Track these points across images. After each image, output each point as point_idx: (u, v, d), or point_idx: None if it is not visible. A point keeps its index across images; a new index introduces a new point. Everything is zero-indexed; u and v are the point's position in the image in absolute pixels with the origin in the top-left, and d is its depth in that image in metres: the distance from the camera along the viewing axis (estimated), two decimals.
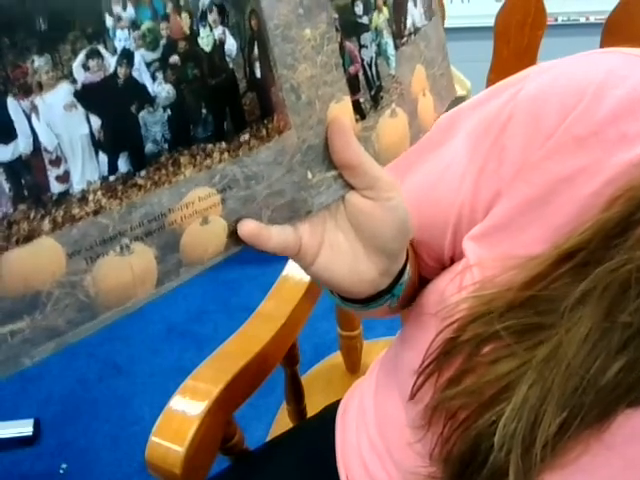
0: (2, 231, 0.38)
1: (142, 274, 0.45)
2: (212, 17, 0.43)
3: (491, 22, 1.16)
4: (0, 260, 0.38)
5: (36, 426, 1.74)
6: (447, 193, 0.59)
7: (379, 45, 0.56)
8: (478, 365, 0.49)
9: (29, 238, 0.39)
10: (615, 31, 1.05)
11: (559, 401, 0.44)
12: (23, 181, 0.38)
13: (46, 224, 0.40)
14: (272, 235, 0.50)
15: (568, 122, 0.48)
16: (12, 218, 0.38)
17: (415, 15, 0.59)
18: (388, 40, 0.56)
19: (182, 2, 0.42)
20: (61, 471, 1.70)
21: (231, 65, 0.45)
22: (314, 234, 0.51)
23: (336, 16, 0.51)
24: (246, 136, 0.47)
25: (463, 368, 0.50)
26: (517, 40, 1.13)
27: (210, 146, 0.45)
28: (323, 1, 0.50)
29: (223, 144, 0.46)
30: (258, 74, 0.46)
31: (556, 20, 2.28)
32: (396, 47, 0.57)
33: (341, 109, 0.52)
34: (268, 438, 1.13)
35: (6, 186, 0.38)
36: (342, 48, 0.52)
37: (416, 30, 0.60)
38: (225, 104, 0.46)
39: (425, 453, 0.58)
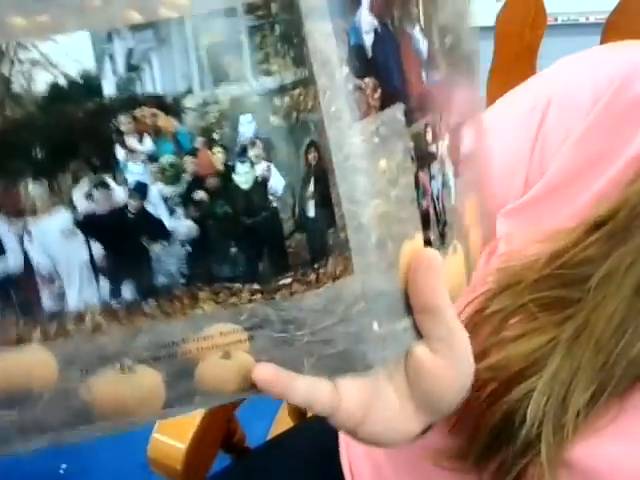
0: None
1: (146, 395, 0.42)
2: (254, 152, 0.36)
3: (491, 22, 1.12)
4: None
5: None
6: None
7: (444, 175, 0.45)
8: (505, 339, 0.48)
9: (18, 343, 0.38)
10: (615, 31, 1.02)
11: (589, 375, 0.44)
12: (13, 296, 0.37)
13: (37, 334, 0.38)
14: (298, 387, 0.42)
15: (600, 104, 0.50)
16: (0, 325, 0.37)
17: (467, 139, 0.47)
18: (450, 169, 0.45)
19: (215, 136, 0.35)
20: (61, 471, 1.67)
21: (275, 204, 0.37)
22: (361, 394, 0.43)
23: (411, 145, 0.40)
24: (287, 280, 0.39)
25: (490, 342, 0.49)
26: (517, 40, 1.10)
27: (238, 286, 0.39)
28: (400, 129, 0.39)
29: (255, 285, 0.39)
30: (311, 213, 0.38)
31: (556, 20, 2.16)
32: (455, 176, 0.47)
33: (413, 249, 0.42)
34: (269, 437, 1.09)
35: None
36: (416, 180, 0.41)
37: (468, 155, 0.48)
38: (262, 245, 0.39)
39: (440, 430, 0.53)
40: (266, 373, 0.42)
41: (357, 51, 0.38)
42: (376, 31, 0.40)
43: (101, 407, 0.42)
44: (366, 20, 0.39)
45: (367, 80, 0.39)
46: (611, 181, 0.49)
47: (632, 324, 0.44)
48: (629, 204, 0.45)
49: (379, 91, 0.40)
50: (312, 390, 0.44)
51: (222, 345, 0.42)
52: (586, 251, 0.46)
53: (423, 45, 0.43)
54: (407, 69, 0.42)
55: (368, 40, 0.39)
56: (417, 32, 0.43)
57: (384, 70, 0.41)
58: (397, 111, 0.42)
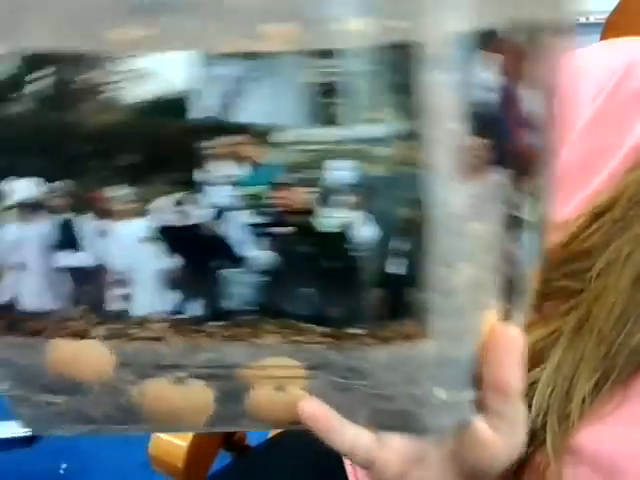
0: (54, 322, 0.38)
1: (194, 408, 0.41)
2: (345, 198, 0.33)
3: None
4: (47, 342, 0.38)
5: None
6: None
7: (530, 243, 0.42)
8: None
9: (80, 335, 0.38)
10: (615, 31, 0.95)
11: (592, 365, 0.44)
12: (83, 288, 0.37)
13: (101, 331, 0.38)
14: (344, 433, 0.40)
15: (603, 94, 0.50)
16: (66, 314, 0.37)
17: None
18: (537, 238, 0.42)
19: (307, 176, 0.33)
20: (61, 471, 1.63)
21: (361, 253, 0.35)
22: (405, 452, 0.41)
23: (506, 210, 0.36)
24: (358, 330, 0.37)
25: None
26: None
27: (307, 325, 0.37)
28: (500, 193, 0.36)
29: (324, 329, 0.37)
30: (397, 269, 0.35)
31: None
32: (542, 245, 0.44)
33: (492, 319, 0.38)
34: (270, 435, 1.05)
35: (65, 287, 0.37)
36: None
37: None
38: (340, 292, 0.36)
39: None
40: (314, 409, 0.40)
41: (474, 107, 0.34)
42: (496, 89, 0.36)
43: (149, 410, 0.42)
44: (488, 76, 0.35)
45: (478, 139, 0.35)
46: (612, 171, 0.49)
47: (633, 314, 0.44)
48: (627, 193, 0.45)
49: (488, 152, 0.36)
50: (357, 439, 0.42)
51: (278, 377, 0.40)
52: (587, 241, 0.46)
53: (536, 109, 0.38)
54: (517, 132, 0.37)
55: (487, 97, 0.35)
56: (533, 95, 0.38)
57: (497, 131, 0.36)
58: (501, 175, 0.37)
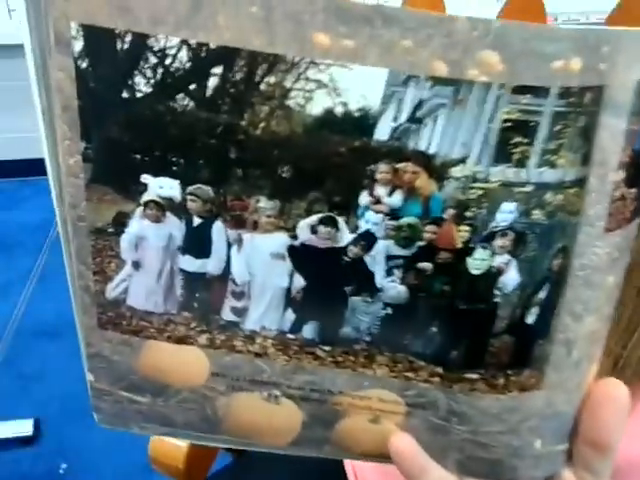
0: (158, 324, 0.35)
1: (280, 428, 0.39)
2: (501, 242, 0.31)
3: None
4: (146, 342, 0.36)
5: (36, 426, 1.64)
6: None
7: None
8: None
9: (180, 341, 0.36)
10: None
11: (601, 377, 0.42)
12: (197, 295, 0.34)
13: (203, 339, 0.36)
14: (430, 475, 0.38)
15: None
16: (172, 318, 0.35)
17: None
18: None
19: (469, 214, 0.31)
20: (61, 471, 1.60)
21: (498, 299, 0.33)
22: None
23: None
24: (474, 376, 0.35)
25: None
26: None
27: (421, 363, 0.35)
28: (630, 245, 0.34)
29: (439, 369, 0.35)
30: (530, 320, 0.33)
31: (556, 20, 2.13)
32: None
33: (594, 374, 0.37)
34: None
35: (179, 291, 0.34)
36: None
37: None
38: (465, 335, 0.34)
39: None
40: (405, 445, 0.39)
41: (636, 157, 0.32)
42: None
43: (231, 424, 0.40)
44: None
45: (632, 190, 0.33)
46: None
47: (639, 326, 0.43)
48: None
49: (634, 204, 0.34)
50: None
51: (376, 410, 0.38)
52: None
53: None
54: None
55: None
56: None
57: None
58: (637, 225, 0.36)
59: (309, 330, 0.35)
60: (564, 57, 0.27)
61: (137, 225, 0.32)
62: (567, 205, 0.31)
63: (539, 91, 0.28)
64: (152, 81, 0.28)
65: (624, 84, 0.29)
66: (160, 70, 0.28)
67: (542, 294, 0.34)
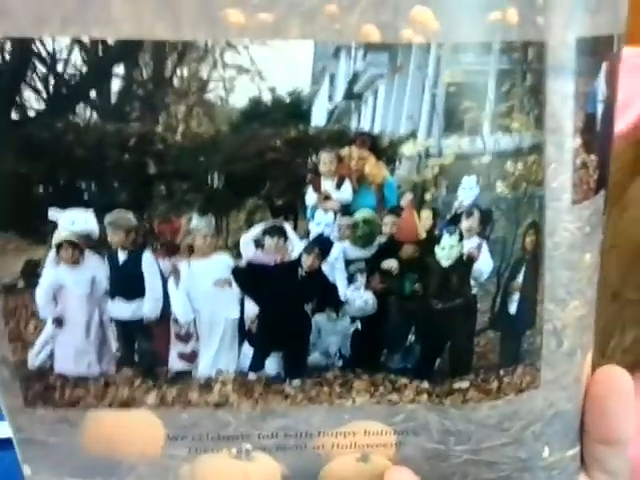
0: (95, 390, 0.29)
1: None
2: (468, 223, 0.28)
3: None
4: (86, 414, 0.29)
5: None
6: None
7: None
8: None
9: (126, 405, 0.29)
10: None
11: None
12: (136, 345, 0.28)
13: (151, 398, 0.30)
14: None
15: None
16: (111, 379, 0.29)
17: None
18: None
19: (428, 196, 0.27)
20: None
21: (474, 291, 0.29)
22: None
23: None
24: (464, 384, 0.30)
25: None
26: None
27: (404, 380, 0.30)
28: (602, 219, 0.32)
29: (425, 383, 0.30)
30: (512, 309, 0.29)
31: None
32: None
33: (589, 364, 0.33)
34: None
35: (114, 344, 0.28)
36: None
37: None
38: (447, 338, 0.30)
39: None
40: None
41: (590, 121, 0.30)
42: (605, 101, 0.32)
43: None
44: (602, 87, 0.31)
45: (592, 157, 0.31)
46: None
47: (617, 327, 0.45)
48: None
49: (597, 172, 0.32)
50: None
51: (363, 445, 0.33)
52: None
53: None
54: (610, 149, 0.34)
55: (599, 110, 0.31)
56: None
57: (606, 149, 0.32)
58: (603, 198, 0.33)
59: (273, 364, 0.30)
60: (499, 8, 0.25)
61: (52, 273, 0.27)
62: (529, 175, 0.28)
63: (480, 48, 0.25)
64: (44, 94, 0.24)
65: (564, 42, 0.27)
66: (52, 80, 0.23)
67: (520, 278, 0.30)
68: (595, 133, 0.30)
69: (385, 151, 0.26)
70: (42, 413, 0.30)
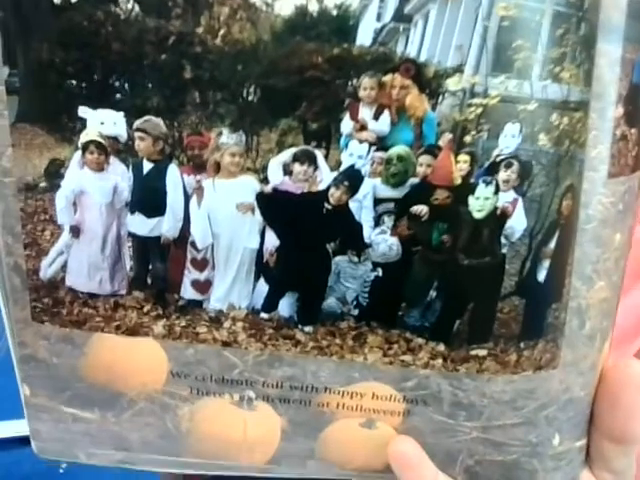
0: (104, 310, 0.27)
1: (255, 440, 0.31)
2: (506, 175, 0.26)
3: None
4: (91, 337, 0.27)
5: None
6: None
7: None
8: None
9: (133, 332, 0.28)
10: None
11: None
12: (151, 267, 0.27)
13: (159, 327, 0.28)
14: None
15: None
16: (121, 300, 0.27)
17: None
18: None
19: (468, 139, 0.25)
20: (61, 470, 1.61)
21: (505, 249, 0.26)
22: None
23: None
24: (482, 352, 0.28)
25: None
26: None
27: (420, 341, 0.28)
28: (635, 200, 0.29)
29: (441, 346, 0.28)
30: (541, 277, 0.27)
31: None
32: None
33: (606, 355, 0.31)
34: None
35: (128, 263, 0.27)
36: None
37: None
38: (470, 298, 0.27)
39: None
40: (408, 451, 0.31)
41: (635, 92, 0.28)
42: None
43: (197, 440, 0.31)
44: None
45: (633, 131, 0.28)
46: None
47: None
48: None
49: (636, 149, 0.29)
50: None
51: (369, 410, 0.30)
52: None
53: None
54: None
55: None
56: None
57: None
58: (638, 180, 0.31)
59: (286, 305, 0.28)
60: None
61: (75, 176, 0.26)
62: (573, 132, 0.26)
63: None
64: None
65: (617, 2, 0.25)
66: None
67: (552, 244, 0.28)
68: (638, 105, 0.28)
69: (429, 83, 0.24)
70: (48, 329, 0.29)
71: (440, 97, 0.24)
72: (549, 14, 0.24)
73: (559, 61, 0.25)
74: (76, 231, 0.27)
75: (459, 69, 0.24)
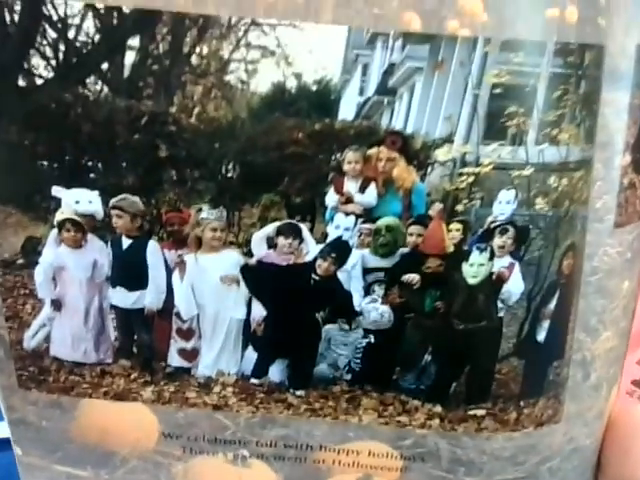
0: (91, 378, 0.27)
1: None
2: (501, 240, 0.24)
3: None
4: (80, 402, 0.27)
5: None
6: None
7: None
8: None
9: (121, 397, 0.27)
10: None
11: None
12: (136, 337, 0.26)
13: (148, 392, 0.27)
14: None
15: None
16: (107, 368, 0.27)
17: None
18: None
19: (460, 207, 0.24)
20: None
21: (501, 313, 0.25)
22: None
23: None
24: (480, 412, 0.27)
25: None
26: None
27: (415, 402, 0.27)
28: None
29: (438, 408, 0.27)
30: (541, 337, 0.26)
31: None
32: None
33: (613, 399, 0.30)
34: None
35: (112, 333, 0.26)
36: None
37: None
38: (466, 361, 0.26)
39: None
40: None
41: None
42: None
43: None
44: None
45: None
46: None
47: None
48: None
49: None
50: None
51: (366, 466, 0.30)
52: None
53: None
54: None
55: None
56: None
57: None
58: None
59: (277, 371, 0.27)
60: (558, 5, 0.21)
61: (52, 253, 0.25)
62: (574, 192, 0.25)
63: (533, 47, 0.22)
64: (54, 62, 0.21)
65: (624, 48, 0.23)
66: (62, 47, 0.21)
67: (552, 304, 0.27)
68: None
69: (417, 154, 0.23)
70: (35, 395, 0.28)
71: (429, 168, 0.23)
72: (545, 77, 0.23)
73: (557, 123, 0.24)
74: (58, 305, 0.26)
75: (448, 139, 0.23)
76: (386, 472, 0.31)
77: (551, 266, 0.26)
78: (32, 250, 0.25)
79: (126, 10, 0.21)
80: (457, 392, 0.28)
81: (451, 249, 0.25)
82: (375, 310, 0.26)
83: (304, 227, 0.24)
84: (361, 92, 0.22)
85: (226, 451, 0.30)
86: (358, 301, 0.26)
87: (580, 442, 0.30)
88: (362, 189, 0.23)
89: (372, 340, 0.27)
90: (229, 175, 0.23)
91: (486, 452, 0.29)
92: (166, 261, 0.25)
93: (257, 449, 0.30)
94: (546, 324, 0.28)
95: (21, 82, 0.22)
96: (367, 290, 0.26)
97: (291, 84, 0.22)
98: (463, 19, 0.21)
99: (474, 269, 0.25)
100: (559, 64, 0.23)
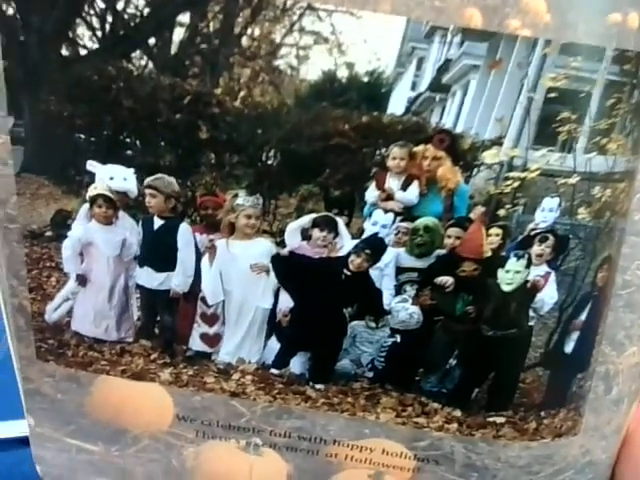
0: (110, 355, 0.26)
1: None
2: (539, 249, 0.24)
3: None
4: (97, 378, 0.27)
5: None
6: None
7: None
8: None
9: (139, 377, 0.27)
10: None
11: None
12: (159, 318, 0.25)
13: (166, 374, 0.27)
14: None
15: None
16: (127, 347, 0.26)
17: None
18: None
19: (502, 212, 0.23)
20: None
21: (532, 322, 0.25)
22: None
23: None
24: (500, 419, 0.27)
25: None
26: None
27: (435, 405, 0.26)
28: None
29: (457, 412, 0.26)
30: (568, 349, 0.26)
31: None
32: None
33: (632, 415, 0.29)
34: None
35: (135, 314, 0.25)
36: None
37: None
38: (492, 368, 0.26)
39: None
40: None
41: None
42: None
43: (202, 479, 0.30)
44: None
45: None
46: None
47: None
48: None
49: None
50: None
51: (378, 464, 0.29)
52: None
53: None
54: None
55: None
56: None
57: None
58: None
59: (298, 364, 0.26)
60: (620, 10, 0.20)
61: (82, 228, 0.24)
62: (615, 203, 0.24)
63: (592, 52, 0.21)
64: (99, 33, 0.20)
65: None
66: (110, 18, 0.20)
67: (583, 316, 0.26)
68: None
69: (464, 155, 0.22)
70: (53, 368, 0.28)
71: (475, 170, 0.22)
72: (600, 84, 0.22)
73: (607, 132, 0.23)
74: (83, 280, 0.26)
75: (498, 142, 0.22)
76: (398, 471, 0.30)
77: (586, 277, 0.25)
78: (62, 223, 0.24)
79: None
80: (478, 398, 0.28)
81: (488, 254, 0.24)
82: (404, 310, 0.25)
83: (340, 221, 0.23)
84: (413, 87, 0.21)
85: (239, 438, 0.30)
86: (388, 300, 0.25)
87: (596, 456, 0.30)
88: (404, 186, 0.22)
89: (398, 340, 0.26)
90: (269, 162, 0.22)
91: (501, 459, 0.29)
92: (197, 245, 0.24)
93: (270, 438, 0.30)
94: (575, 336, 0.27)
95: (64, 51, 0.21)
96: (398, 289, 0.25)
97: (342, 73, 0.21)
98: (525, 18, 0.20)
99: (510, 276, 0.25)
100: (615, 71, 0.22)
